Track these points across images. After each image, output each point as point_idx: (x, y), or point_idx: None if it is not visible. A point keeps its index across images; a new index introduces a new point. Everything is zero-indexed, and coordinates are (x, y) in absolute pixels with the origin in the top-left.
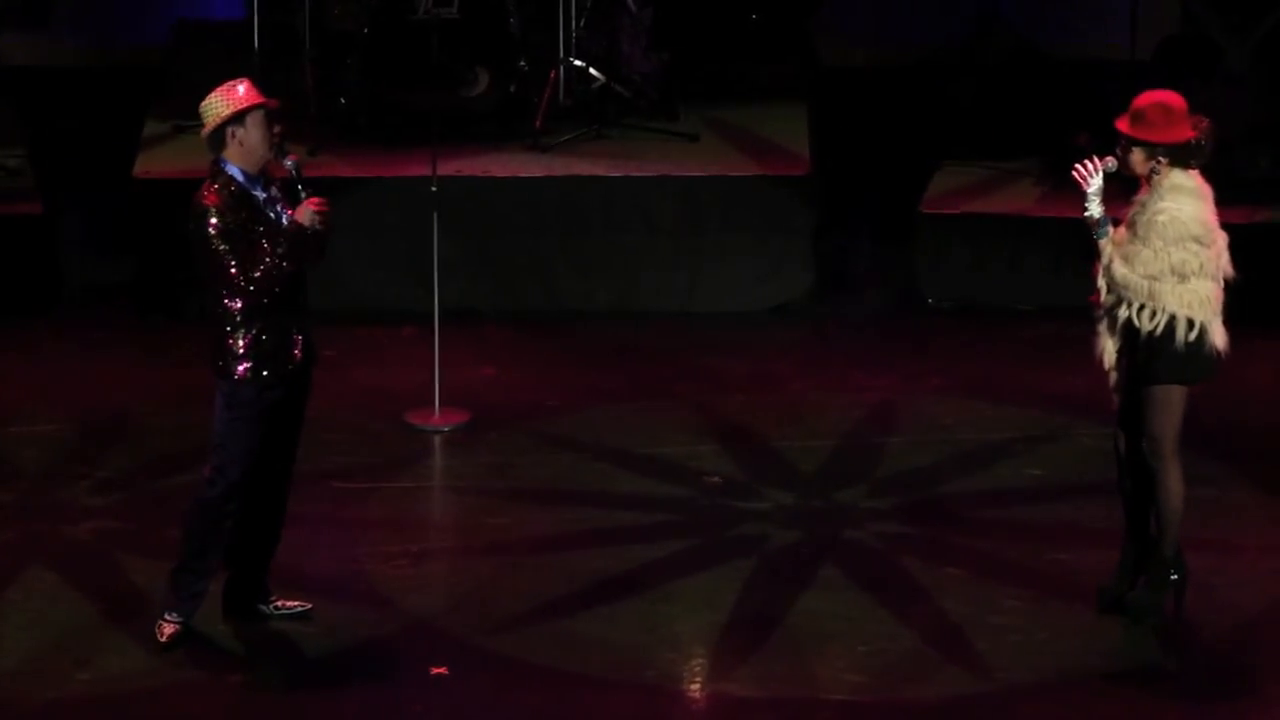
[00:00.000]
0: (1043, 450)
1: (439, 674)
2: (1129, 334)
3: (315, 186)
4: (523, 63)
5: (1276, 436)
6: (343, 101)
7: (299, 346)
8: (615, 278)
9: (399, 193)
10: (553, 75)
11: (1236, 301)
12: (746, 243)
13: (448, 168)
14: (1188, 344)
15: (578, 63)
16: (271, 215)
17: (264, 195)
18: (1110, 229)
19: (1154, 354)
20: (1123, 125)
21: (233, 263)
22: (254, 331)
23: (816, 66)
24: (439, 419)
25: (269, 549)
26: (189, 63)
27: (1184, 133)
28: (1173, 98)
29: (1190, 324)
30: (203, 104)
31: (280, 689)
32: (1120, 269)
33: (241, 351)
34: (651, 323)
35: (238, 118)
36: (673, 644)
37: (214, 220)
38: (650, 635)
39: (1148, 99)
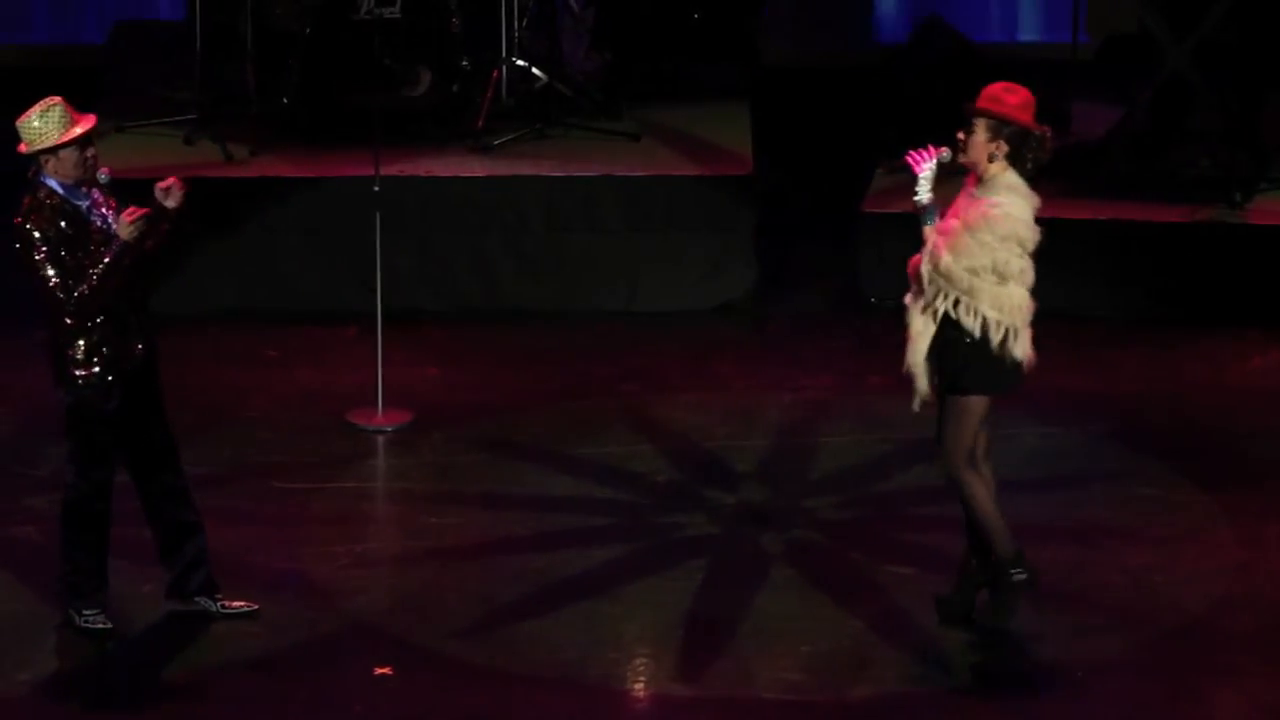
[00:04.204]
0: None
1: (383, 674)
2: (943, 335)
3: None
4: (465, 62)
5: (1217, 435)
6: (284, 101)
7: (138, 346)
8: (558, 277)
9: (341, 193)
10: (495, 75)
11: (1178, 301)
12: (689, 242)
13: (390, 168)
14: (995, 352)
15: (520, 62)
16: (97, 221)
17: (85, 203)
18: (937, 219)
19: (965, 362)
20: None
21: (56, 282)
22: (93, 338)
23: (759, 66)
24: (382, 419)
25: (195, 545)
26: (129, 63)
27: (1031, 118)
28: (1024, 89)
29: (1001, 329)
30: (19, 122)
31: (223, 688)
32: (947, 258)
33: (81, 358)
34: (594, 322)
35: (51, 150)
36: (615, 644)
37: (35, 241)
38: (593, 635)
39: (999, 83)
